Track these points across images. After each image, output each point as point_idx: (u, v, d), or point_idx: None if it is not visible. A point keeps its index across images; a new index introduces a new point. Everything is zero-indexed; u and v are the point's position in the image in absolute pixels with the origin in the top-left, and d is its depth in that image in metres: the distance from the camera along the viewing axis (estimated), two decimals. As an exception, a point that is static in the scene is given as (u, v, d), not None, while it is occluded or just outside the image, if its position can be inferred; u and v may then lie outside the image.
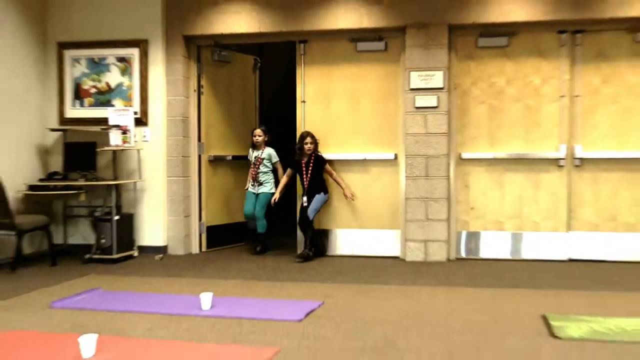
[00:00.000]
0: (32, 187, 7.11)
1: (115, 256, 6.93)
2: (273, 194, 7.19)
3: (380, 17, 6.99)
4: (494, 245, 7.01)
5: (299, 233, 7.25)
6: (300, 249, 7.20)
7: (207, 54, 7.69)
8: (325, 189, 7.08)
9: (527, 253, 6.94)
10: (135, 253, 7.34)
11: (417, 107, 6.91)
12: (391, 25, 6.97)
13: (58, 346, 3.79)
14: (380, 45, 7.19)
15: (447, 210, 6.93)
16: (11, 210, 6.38)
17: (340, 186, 7.06)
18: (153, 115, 7.47)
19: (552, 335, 3.94)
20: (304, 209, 6.98)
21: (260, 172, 7.16)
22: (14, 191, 7.01)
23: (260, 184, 7.21)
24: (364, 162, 7.23)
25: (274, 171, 7.40)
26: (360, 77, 7.28)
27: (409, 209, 6.96)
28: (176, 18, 7.44)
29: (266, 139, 7.24)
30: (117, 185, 7.28)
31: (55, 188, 7.06)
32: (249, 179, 7.33)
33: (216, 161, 7.74)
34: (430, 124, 6.89)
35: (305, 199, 7.01)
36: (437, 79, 6.86)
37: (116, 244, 6.96)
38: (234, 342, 3.86)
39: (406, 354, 3.60)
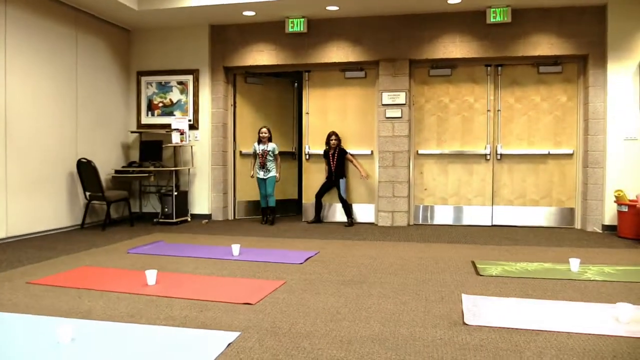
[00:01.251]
0: (117, 171, 7.12)
1: (174, 220, 6.96)
2: (276, 176, 7.00)
3: (361, 54, 6.97)
4: (441, 215, 7.01)
5: (306, 204, 7.28)
6: (305, 217, 7.23)
7: (241, 79, 7.69)
8: (344, 175, 7.00)
9: (463, 220, 6.94)
10: (189, 218, 7.36)
11: (387, 117, 6.90)
12: (369, 59, 6.94)
13: (131, 277, 3.82)
14: (361, 74, 7.17)
15: (408, 190, 6.94)
16: (102, 186, 6.41)
17: (358, 169, 6.96)
18: (202, 122, 7.47)
19: (477, 273, 3.98)
20: (329, 182, 6.99)
21: (268, 161, 6.92)
22: (106, 174, 7.06)
23: (268, 170, 6.95)
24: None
25: (276, 160, 7.08)
26: (347, 96, 7.25)
27: (380, 189, 6.97)
28: (218, 54, 7.43)
29: (270, 135, 7.00)
30: (176, 171, 7.29)
31: (133, 172, 7.10)
32: (256, 167, 6.98)
33: (245, 155, 7.73)
34: (396, 129, 6.88)
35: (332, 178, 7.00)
36: (401, 97, 6.84)
37: (175, 212, 6.99)
38: (254, 277, 3.90)
39: (373, 285, 3.63)
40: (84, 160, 6.34)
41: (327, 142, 6.98)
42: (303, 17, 6.97)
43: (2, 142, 5.44)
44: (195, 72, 7.43)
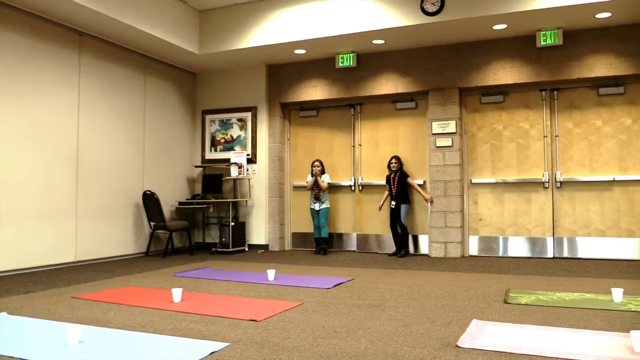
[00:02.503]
0: (181, 203, 7.64)
1: (230, 249, 7.28)
2: (329, 208, 7.14)
3: (410, 84, 7.02)
4: (498, 247, 6.71)
5: (359, 235, 7.31)
6: (349, 247, 7.24)
7: (295, 114, 8.00)
8: (407, 200, 6.83)
9: (522, 252, 6.59)
10: (246, 248, 7.65)
11: (437, 147, 6.83)
12: (418, 89, 6.98)
13: (163, 295, 4.07)
14: (412, 104, 7.20)
15: (462, 220, 6.74)
16: (164, 216, 6.91)
17: (420, 193, 6.85)
18: (260, 156, 7.84)
19: (505, 301, 3.79)
20: (393, 210, 6.79)
21: (321, 193, 7.08)
22: (170, 205, 7.60)
23: (321, 202, 7.09)
24: (401, 187, 7.22)
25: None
26: (398, 127, 7.30)
27: (432, 219, 6.84)
28: (275, 91, 7.84)
29: (322, 168, 7.10)
30: (234, 203, 7.67)
31: (193, 204, 7.56)
32: (311, 198, 7.13)
33: (297, 187, 7.91)
34: (447, 158, 6.78)
35: (393, 203, 6.79)
36: (451, 126, 6.76)
37: (232, 242, 7.31)
38: (276, 299, 4.00)
39: (387, 309, 3.59)
40: (148, 192, 6.89)
41: (388, 166, 6.90)
42: (352, 52, 7.20)
43: (73, 175, 6.10)
44: (253, 109, 7.87)
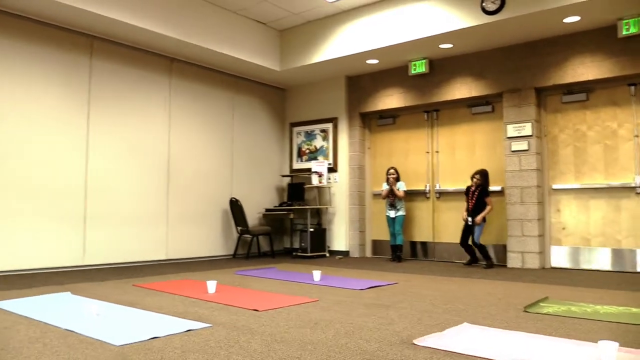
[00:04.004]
0: (267, 210, 8.20)
1: (309, 254, 7.61)
2: (405, 215, 7.11)
3: (484, 87, 6.76)
4: (583, 259, 6.10)
5: (437, 244, 7.16)
6: (426, 256, 7.09)
7: (374, 123, 8.11)
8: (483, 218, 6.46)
9: (611, 265, 5.92)
10: (327, 254, 7.93)
11: (513, 151, 6.46)
12: (493, 92, 6.69)
13: (204, 288, 4.51)
14: (488, 108, 6.91)
15: (541, 229, 6.28)
16: (247, 222, 7.50)
17: (482, 214, 6.42)
18: (340, 165, 8.09)
19: (524, 309, 3.56)
20: (467, 226, 6.51)
21: (397, 201, 7.05)
22: (257, 212, 8.19)
23: (397, 209, 7.06)
24: (479, 193, 6.94)
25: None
26: (475, 132, 7.04)
27: (509, 227, 6.46)
28: (354, 102, 8.06)
29: (397, 175, 7.07)
30: (315, 210, 8.02)
31: (277, 210, 8.06)
32: (387, 206, 7.12)
33: (377, 195, 7.90)
34: (524, 162, 6.37)
35: (469, 218, 6.49)
36: (527, 129, 6.35)
37: (311, 247, 7.64)
38: (302, 295, 4.20)
39: (393, 309, 3.60)
40: (233, 199, 7.54)
41: (471, 178, 6.60)
42: (424, 58, 7.15)
43: (165, 183, 6.95)
44: (334, 120, 8.18)
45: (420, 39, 6.42)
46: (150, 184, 6.75)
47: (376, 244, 7.95)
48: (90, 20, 5.82)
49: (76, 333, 2.82)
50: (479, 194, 6.47)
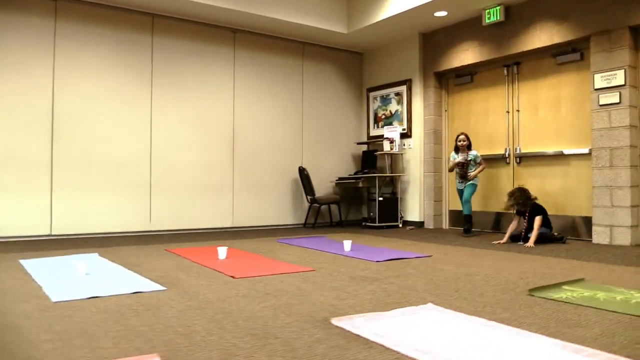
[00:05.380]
0: (340, 179, 8.00)
1: (376, 224, 7.30)
2: (476, 185, 6.30)
3: (567, 32, 5.72)
4: (693, 235, 4.96)
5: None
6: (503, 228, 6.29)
7: (451, 82, 7.37)
8: (548, 224, 5.44)
9: None
10: (400, 224, 7.53)
11: (601, 105, 5.42)
12: (577, 37, 5.64)
13: (231, 254, 4.54)
14: (575, 56, 5.84)
15: (634, 199, 5.22)
16: (314, 190, 7.42)
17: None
18: (415, 130, 7.57)
19: (528, 292, 2.97)
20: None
21: (470, 171, 6.24)
22: (329, 181, 8.06)
23: (468, 179, 6.26)
24: (564, 157, 5.98)
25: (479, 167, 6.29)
26: (561, 85, 6.03)
27: (595, 196, 5.47)
28: (429, 61, 7.42)
29: (469, 142, 6.28)
30: (392, 178, 7.64)
31: (347, 179, 7.84)
32: (457, 177, 6.37)
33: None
34: (614, 119, 5.31)
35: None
36: (619, 77, 5.25)
37: (378, 217, 7.32)
38: (309, 266, 4.03)
39: (378, 284, 3.27)
40: (301, 168, 7.50)
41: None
42: (498, 4, 6.27)
43: (230, 153, 7.13)
44: (408, 82, 7.63)
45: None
46: (214, 155, 6.99)
47: (454, 215, 7.33)
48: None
49: (42, 289, 3.02)
50: (530, 215, 5.39)
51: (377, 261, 4.17)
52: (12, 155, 5.66)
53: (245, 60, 7.31)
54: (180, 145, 6.73)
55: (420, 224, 7.42)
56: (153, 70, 6.56)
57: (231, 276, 3.46)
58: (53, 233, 5.88)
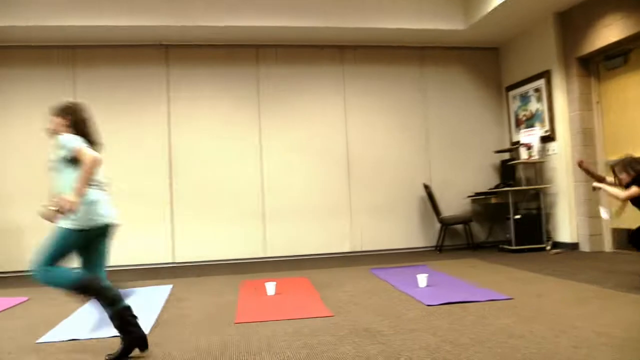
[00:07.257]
0: (476, 194, 7.01)
1: (513, 247, 6.17)
2: None
3: None
4: None
5: None
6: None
7: (601, 68, 5.85)
8: None
9: None
10: (547, 247, 6.21)
11: None
12: None
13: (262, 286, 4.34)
14: None
15: None
16: (438, 209, 6.68)
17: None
18: (559, 131, 6.23)
19: None
20: None
21: None
22: (462, 197, 7.15)
23: None
24: None
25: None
26: None
27: None
28: (568, 46, 6.07)
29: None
30: (537, 191, 6.41)
31: (478, 195, 6.88)
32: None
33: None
34: None
35: None
36: None
37: (515, 238, 6.18)
38: (331, 309, 3.60)
39: (390, 344, 2.71)
40: (425, 185, 6.83)
41: None
42: (640, -41, 4.79)
43: (345, 175, 6.89)
44: (546, 74, 6.36)
45: None
46: (328, 177, 6.85)
47: (620, 234, 5.77)
48: (254, 33, 6.41)
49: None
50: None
51: (428, 305, 3.49)
52: (137, 191, 6.37)
53: (354, 75, 7.04)
54: (291, 170, 6.78)
55: (573, 246, 6.04)
56: (260, 99, 6.79)
57: (237, 322, 3.26)
58: (176, 261, 6.50)
